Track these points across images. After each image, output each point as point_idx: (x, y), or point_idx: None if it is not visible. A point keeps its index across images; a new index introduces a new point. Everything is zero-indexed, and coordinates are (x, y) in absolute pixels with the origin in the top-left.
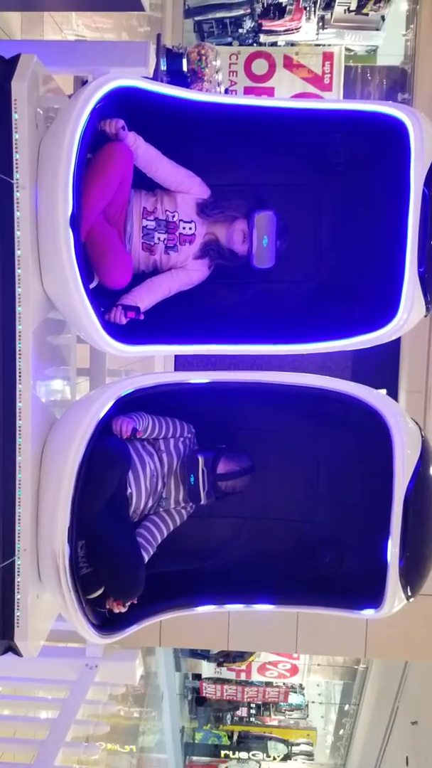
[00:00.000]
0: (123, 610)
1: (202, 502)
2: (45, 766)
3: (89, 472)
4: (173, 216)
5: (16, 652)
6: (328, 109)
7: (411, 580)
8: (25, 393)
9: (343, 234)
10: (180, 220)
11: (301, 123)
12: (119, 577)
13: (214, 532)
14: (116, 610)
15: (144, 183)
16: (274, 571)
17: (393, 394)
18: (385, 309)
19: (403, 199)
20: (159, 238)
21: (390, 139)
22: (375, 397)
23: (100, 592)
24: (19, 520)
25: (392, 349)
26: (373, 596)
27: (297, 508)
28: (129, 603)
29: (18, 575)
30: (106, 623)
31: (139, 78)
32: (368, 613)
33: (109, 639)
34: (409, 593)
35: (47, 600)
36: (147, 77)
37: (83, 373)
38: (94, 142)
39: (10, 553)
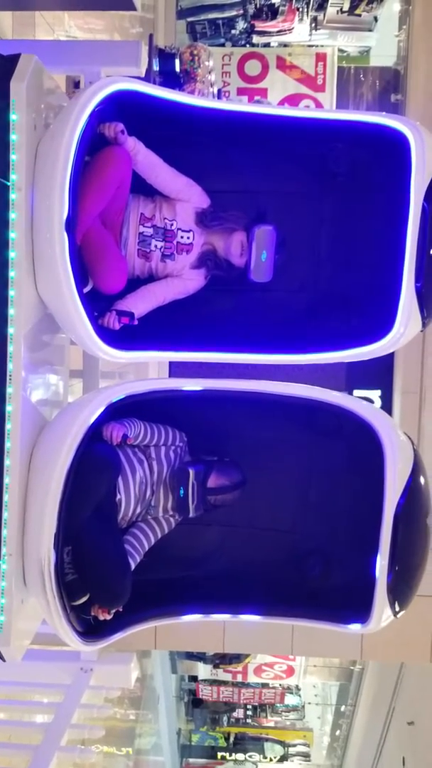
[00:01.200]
0: (108, 617)
1: (191, 515)
2: None
3: (77, 478)
4: (172, 224)
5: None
6: (330, 119)
7: (399, 595)
8: (15, 396)
9: (341, 245)
10: (178, 229)
11: (303, 132)
12: (105, 585)
13: (202, 540)
14: (101, 618)
15: (143, 188)
16: (261, 581)
17: (388, 395)
18: (381, 323)
19: (403, 213)
20: (156, 246)
21: (391, 151)
22: (367, 410)
23: (85, 598)
24: (5, 524)
25: None
26: (361, 611)
27: (286, 518)
28: (114, 610)
29: (3, 580)
30: (91, 630)
31: (138, 82)
32: (355, 627)
33: (93, 646)
34: (397, 609)
35: (33, 601)
36: (139, 77)
37: (77, 375)
38: (93, 145)
39: None
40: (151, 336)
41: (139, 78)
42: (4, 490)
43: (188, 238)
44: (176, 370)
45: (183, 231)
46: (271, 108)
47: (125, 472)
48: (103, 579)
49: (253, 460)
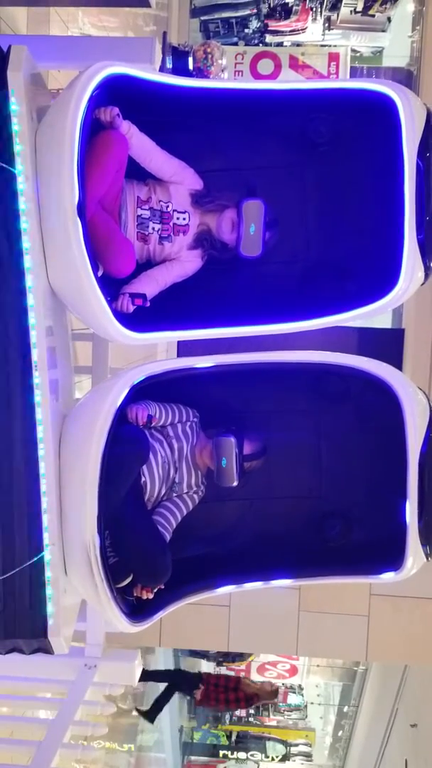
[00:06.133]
0: (151, 596)
1: (234, 484)
2: (42, 767)
3: (112, 460)
4: (167, 206)
5: (47, 651)
6: (313, 88)
7: (429, 540)
8: (43, 386)
9: (330, 212)
10: (174, 211)
11: (288, 105)
12: (148, 564)
13: (224, 515)
14: (144, 597)
15: (134, 172)
16: (286, 547)
17: None
18: (383, 279)
19: (393, 174)
20: (153, 228)
21: (376, 115)
22: (379, 367)
23: (128, 580)
24: (45, 514)
25: (395, 349)
26: (391, 560)
27: (302, 484)
28: (156, 589)
29: (47, 570)
30: (133, 611)
31: (130, 65)
32: (388, 576)
33: (140, 626)
34: (429, 552)
35: (69, 604)
36: None
37: (84, 371)
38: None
39: (38, 549)
40: (159, 319)
41: None
42: (41, 482)
43: (184, 219)
44: (184, 355)
45: (178, 212)
46: (254, 83)
47: None
48: (145, 558)
49: (262, 431)
